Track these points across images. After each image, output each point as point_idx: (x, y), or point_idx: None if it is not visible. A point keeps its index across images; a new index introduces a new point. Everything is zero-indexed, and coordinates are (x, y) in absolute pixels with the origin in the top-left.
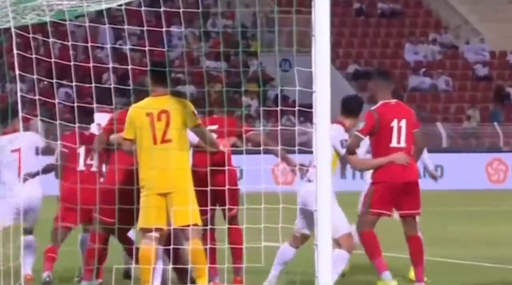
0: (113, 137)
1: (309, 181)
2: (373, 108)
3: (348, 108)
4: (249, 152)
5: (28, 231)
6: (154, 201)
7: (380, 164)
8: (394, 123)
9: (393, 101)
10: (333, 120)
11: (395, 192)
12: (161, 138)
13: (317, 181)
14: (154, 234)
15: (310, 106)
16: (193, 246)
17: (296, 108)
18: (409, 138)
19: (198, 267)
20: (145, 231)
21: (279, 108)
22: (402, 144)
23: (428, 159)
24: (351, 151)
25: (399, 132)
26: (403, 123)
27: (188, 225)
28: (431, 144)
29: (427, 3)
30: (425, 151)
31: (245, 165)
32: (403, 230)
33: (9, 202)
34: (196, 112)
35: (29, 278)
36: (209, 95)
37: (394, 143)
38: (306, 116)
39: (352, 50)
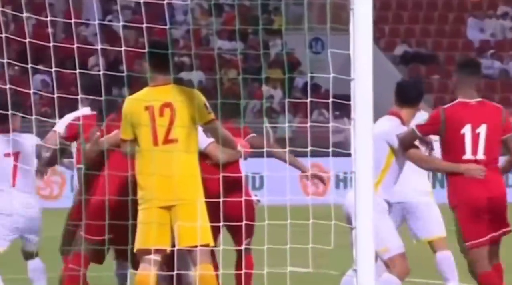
0: (103, 139)
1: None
2: (446, 106)
3: (403, 95)
4: (270, 154)
5: (31, 255)
6: (155, 215)
7: (448, 170)
8: (466, 130)
9: (474, 101)
10: (387, 112)
11: (480, 212)
12: (164, 137)
13: (356, 191)
14: (154, 257)
15: (347, 97)
16: (202, 271)
17: (330, 100)
18: (490, 147)
19: None
20: (143, 253)
21: (308, 99)
22: (480, 155)
23: None
24: (405, 145)
25: (475, 141)
26: (483, 129)
27: (196, 246)
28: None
29: None
30: None
31: (266, 171)
32: None
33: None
34: (208, 105)
35: None
36: (222, 84)
37: (468, 155)
38: (343, 109)
39: (401, 26)
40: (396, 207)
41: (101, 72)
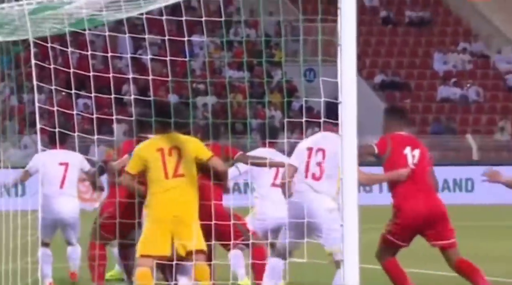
0: (115, 163)
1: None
2: (389, 134)
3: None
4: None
5: (69, 243)
6: (160, 229)
7: (389, 179)
8: (407, 150)
9: (405, 133)
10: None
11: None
12: (173, 172)
13: (343, 194)
14: (152, 262)
15: (336, 117)
16: (199, 267)
17: (322, 120)
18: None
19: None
20: (145, 258)
21: (303, 119)
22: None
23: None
24: (360, 156)
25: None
26: (417, 152)
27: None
28: (461, 157)
29: (456, 11)
30: None
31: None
32: None
33: (47, 218)
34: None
35: None
36: (231, 106)
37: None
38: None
39: (379, 59)
40: None
41: (132, 97)
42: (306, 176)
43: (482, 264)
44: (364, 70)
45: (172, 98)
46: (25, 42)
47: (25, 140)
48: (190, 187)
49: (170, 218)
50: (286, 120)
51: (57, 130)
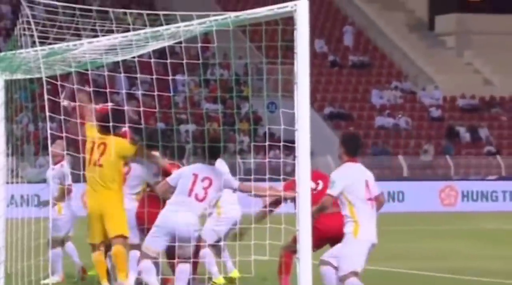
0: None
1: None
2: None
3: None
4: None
5: (61, 242)
6: (91, 216)
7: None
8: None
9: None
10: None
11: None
12: (95, 161)
13: (299, 205)
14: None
15: (293, 141)
16: (116, 248)
17: (281, 143)
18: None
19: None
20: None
21: (267, 143)
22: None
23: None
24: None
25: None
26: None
27: (117, 236)
28: (393, 174)
29: (390, 57)
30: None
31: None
32: None
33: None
34: (131, 142)
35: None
36: (208, 133)
37: None
38: (290, 150)
39: (328, 95)
40: None
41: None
42: (189, 195)
43: (413, 261)
44: (316, 103)
45: (160, 126)
46: (39, 80)
47: (40, 160)
48: (106, 176)
49: (92, 204)
50: (252, 144)
51: (65, 152)
